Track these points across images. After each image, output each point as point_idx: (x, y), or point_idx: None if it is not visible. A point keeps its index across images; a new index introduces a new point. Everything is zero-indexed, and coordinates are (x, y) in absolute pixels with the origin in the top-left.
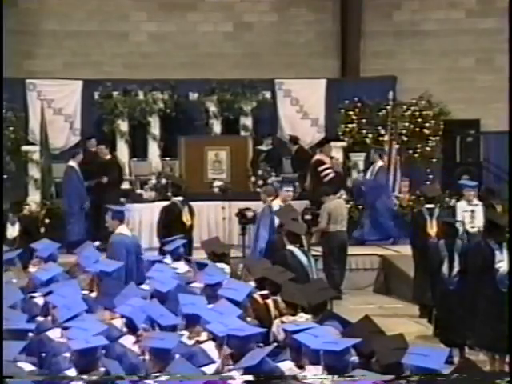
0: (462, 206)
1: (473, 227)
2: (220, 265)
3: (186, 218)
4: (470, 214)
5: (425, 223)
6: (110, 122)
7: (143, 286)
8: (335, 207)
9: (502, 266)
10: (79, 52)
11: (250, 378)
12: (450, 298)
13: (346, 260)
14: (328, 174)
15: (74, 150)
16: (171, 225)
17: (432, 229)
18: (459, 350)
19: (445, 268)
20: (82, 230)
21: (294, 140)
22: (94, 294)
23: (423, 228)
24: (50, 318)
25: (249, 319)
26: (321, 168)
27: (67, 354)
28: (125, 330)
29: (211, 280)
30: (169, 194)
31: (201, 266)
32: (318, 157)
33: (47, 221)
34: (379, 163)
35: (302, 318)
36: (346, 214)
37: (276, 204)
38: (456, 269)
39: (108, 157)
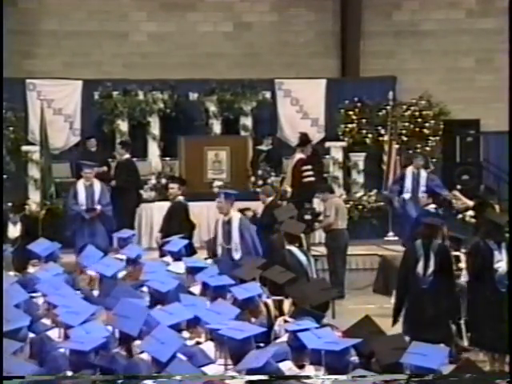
0: None
1: None
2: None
3: (193, 216)
4: None
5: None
6: (110, 122)
7: (143, 289)
8: (340, 204)
9: (501, 265)
10: (79, 52)
11: (251, 378)
12: (423, 297)
13: (346, 259)
14: (309, 176)
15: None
16: (180, 224)
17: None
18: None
19: (420, 267)
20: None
21: (305, 139)
22: (95, 293)
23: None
24: (49, 318)
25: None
26: (303, 168)
27: (67, 353)
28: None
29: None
30: (170, 188)
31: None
32: (300, 156)
33: (47, 221)
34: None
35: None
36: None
37: None
38: (431, 268)
39: (125, 157)
